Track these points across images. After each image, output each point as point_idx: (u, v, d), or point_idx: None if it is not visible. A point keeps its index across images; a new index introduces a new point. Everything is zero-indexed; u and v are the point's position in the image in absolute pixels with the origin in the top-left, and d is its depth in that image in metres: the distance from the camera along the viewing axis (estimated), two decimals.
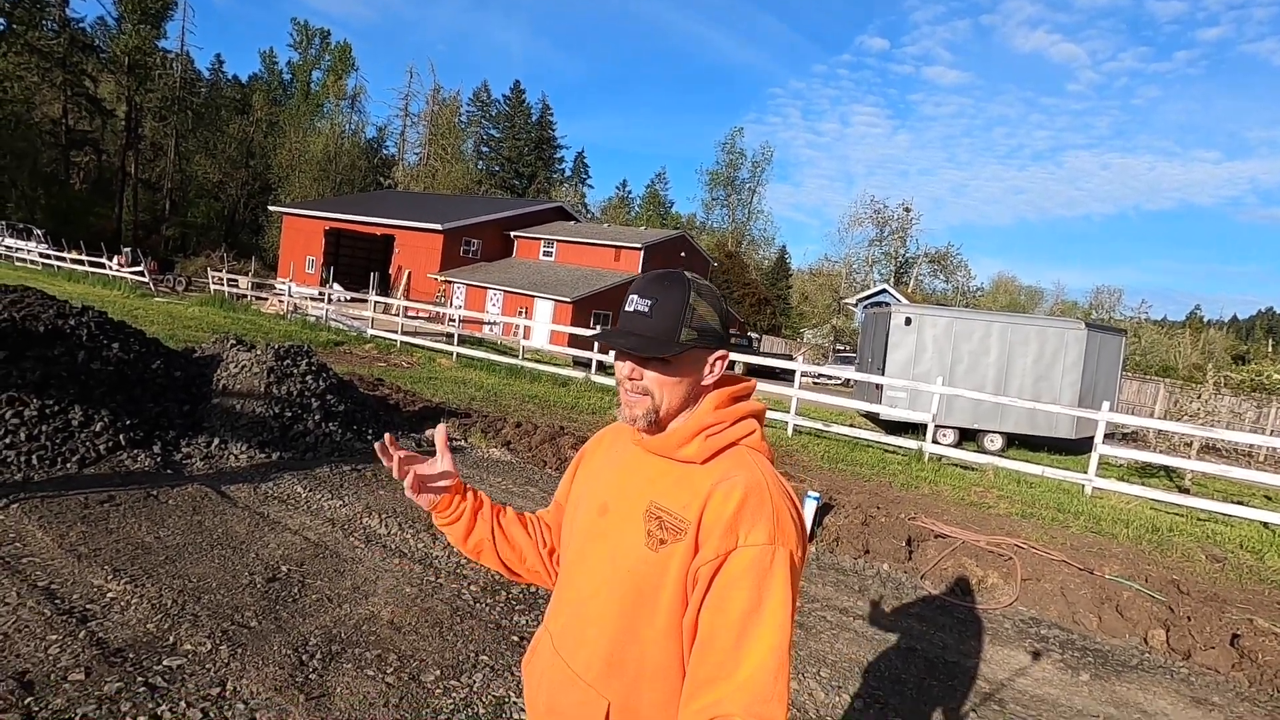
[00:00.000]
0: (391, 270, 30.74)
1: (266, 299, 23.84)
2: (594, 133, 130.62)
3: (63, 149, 48.68)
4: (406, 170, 61.95)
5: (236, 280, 27.00)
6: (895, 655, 3.83)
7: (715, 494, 1.04)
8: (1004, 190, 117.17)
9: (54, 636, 2.79)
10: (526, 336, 24.02)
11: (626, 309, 1.14)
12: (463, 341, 16.29)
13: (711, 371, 1.15)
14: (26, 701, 2.38)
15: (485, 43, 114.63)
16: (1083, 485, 9.12)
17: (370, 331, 17.71)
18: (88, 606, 3.07)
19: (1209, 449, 13.87)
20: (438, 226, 28.49)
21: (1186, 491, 10.15)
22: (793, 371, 12.44)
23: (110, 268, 25.83)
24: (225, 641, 2.95)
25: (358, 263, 34.60)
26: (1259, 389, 18.17)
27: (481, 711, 2.73)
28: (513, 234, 30.91)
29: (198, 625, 3.05)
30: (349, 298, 25.37)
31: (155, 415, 5.89)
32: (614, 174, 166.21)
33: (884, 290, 33.17)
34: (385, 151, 67.72)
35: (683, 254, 29.63)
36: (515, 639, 3.37)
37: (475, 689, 2.87)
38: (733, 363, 20.41)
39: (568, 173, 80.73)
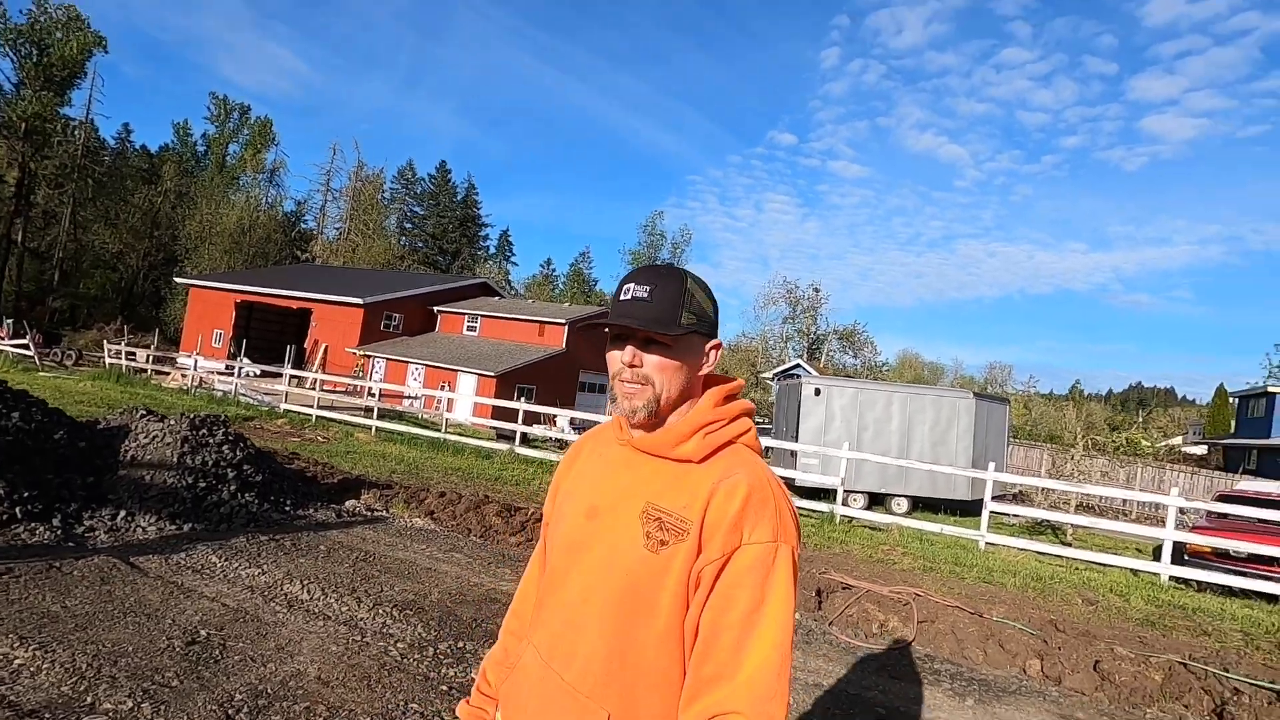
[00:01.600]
0: (307, 344, 29.88)
1: (168, 373, 22.64)
2: (519, 211, 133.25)
3: None
4: (326, 245, 61.05)
5: (135, 354, 25.50)
6: (802, 690, 4.12)
7: (718, 492, 1.03)
8: (905, 274, 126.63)
9: None
10: (449, 409, 23.70)
11: (623, 298, 1.12)
12: (383, 415, 15.99)
13: (708, 360, 1.14)
14: None
15: (412, 122, 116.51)
16: (977, 541, 9.85)
17: (284, 406, 17.12)
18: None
19: (1085, 506, 15.20)
20: (358, 300, 28.15)
21: (1069, 545, 11.10)
22: None
23: None
24: (147, 699, 2.93)
25: (269, 336, 33.41)
26: (1133, 454, 20.15)
27: None
28: (436, 309, 30.87)
29: (115, 686, 3.01)
30: (259, 371, 24.43)
31: (56, 487, 5.65)
32: (538, 252, 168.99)
33: (798, 365, 34.83)
34: (303, 225, 66.64)
35: (606, 330, 30.33)
36: (444, 689, 3.46)
37: None
38: None
39: (492, 250, 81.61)
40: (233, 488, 6.48)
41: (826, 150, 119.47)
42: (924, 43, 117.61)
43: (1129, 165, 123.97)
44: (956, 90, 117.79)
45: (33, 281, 50.67)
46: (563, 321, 27.11)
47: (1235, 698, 4.57)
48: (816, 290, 43.15)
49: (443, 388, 25.31)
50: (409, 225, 74.03)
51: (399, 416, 18.65)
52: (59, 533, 5.14)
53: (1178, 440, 40.39)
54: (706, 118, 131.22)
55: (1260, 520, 8.85)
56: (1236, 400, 33.45)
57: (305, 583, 4.79)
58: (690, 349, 1.12)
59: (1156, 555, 10.48)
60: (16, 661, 3.11)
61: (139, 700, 2.91)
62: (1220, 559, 8.82)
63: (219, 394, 19.39)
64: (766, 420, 31.57)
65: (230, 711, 2.94)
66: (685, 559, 1.02)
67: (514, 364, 24.75)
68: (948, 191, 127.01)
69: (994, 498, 10.17)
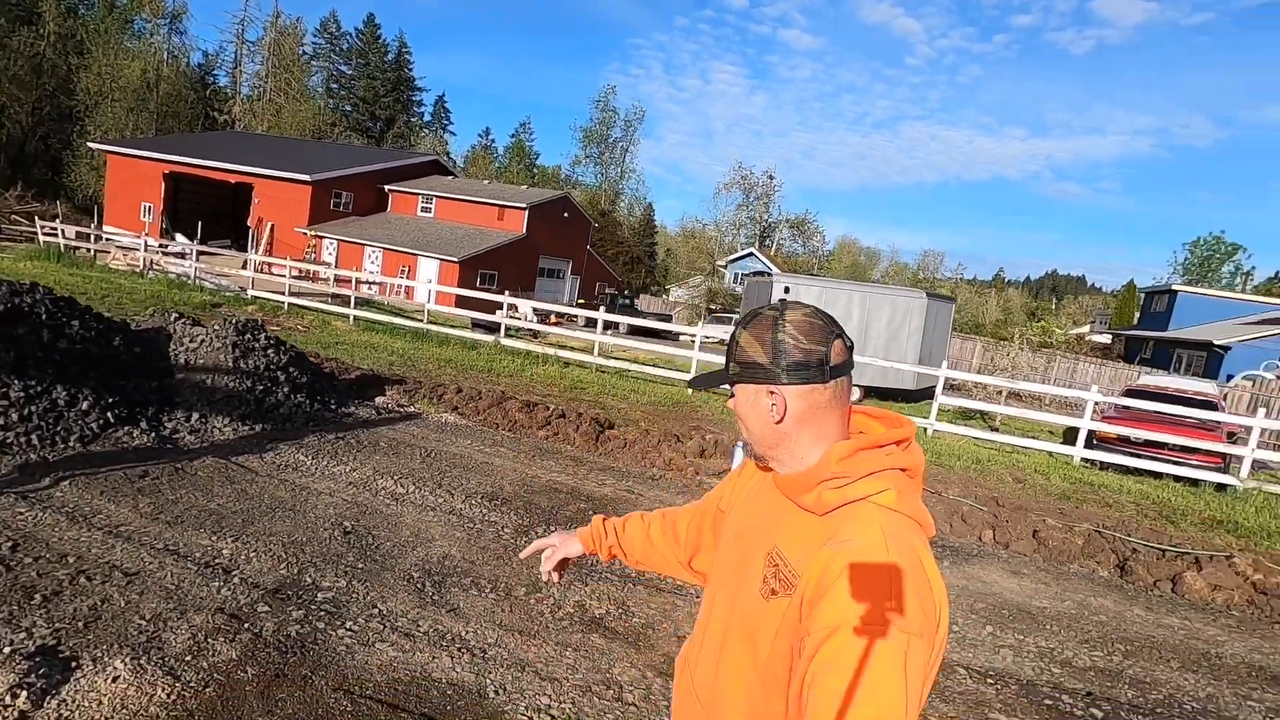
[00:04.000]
0: (251, 222, 28.51)
1: (110, 253, 21.52)
2: (455, 74, 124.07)
3: None
4: (245, 106, 56.03)
5: (58, 229, 23.85)
6: None
7: (823, 554, 0.96)
8: (849, 155, 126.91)
9: (215, 584, 3.40)
10: (409, 296, 23.67)
11: None
12: (354, 303, 16.06)
13: (776, 406, 1.06)
14: (244, 625, 3.06)
15: None
16: (925, 428, 11.33)
17: (252, 292, 16.89)
18: (218, 561, 3.65)
19: (1014, 395, 17.20)
20: (305, 177, 26.79)
21: (996, 430, 12.83)
22: (675, 333, 13.78)
23: None
24: (351, 578, 3.69)
25: (201, 212, 31.53)
26: (1046, 345, 22.39)
27: (570, 610, 3.73)
28: (388, 188, 29.69)
29: (319, 569, 3.75)
30: (194, 251, 23.41)
31: (129, 392, 6.02)
32: (475, 121, 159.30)
33: (751, 253, 35.70)
34: (216, 83, 60.50)
35: (565, 214, 30.10)
36: None
37: (557, 599, 3.85)
38: (637, 329, 21.43)
39: (428, 117, 76.67)
40: (285, 389, 6.96)
41: (779, 17, 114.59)
42: None
43: (1076, 49, 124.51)
44: None
45: None
46: (523, 205, 26.75)
47: (1134, 555, 6.02)
48: (771, 178, 43.44)
49: (402, 273, 25.04)
50: (336, 87, 68.27)
51: (367, 304, 18.68)
52: (151, 435, 5.61)
53: (1086, 329, 44.16)
54: None
55: (1156, 411, 10.55)
56: (1143, 295, 36.68)
57: (395, 478, 5.50)
58: (745, 398, 1.10)
59: (1066, 439, 12.32)
60: (225, 552, 3.78)
61: (348, 579, 3.67)
62: (1123, 444, 10.54)
63: (173, 276, 18.76)
64: (723, 309, 32.83)
65: (419, 586, 3.74)
66: (789, 617, 0.98)
67: (476, 249, 24.60)
68: (899, 69, 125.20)
69: (933, 387, 11.58)
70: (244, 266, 22.10)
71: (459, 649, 3.15)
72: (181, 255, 21.60)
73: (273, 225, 27.70)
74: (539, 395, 9.99)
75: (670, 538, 1.44)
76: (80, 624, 2.89)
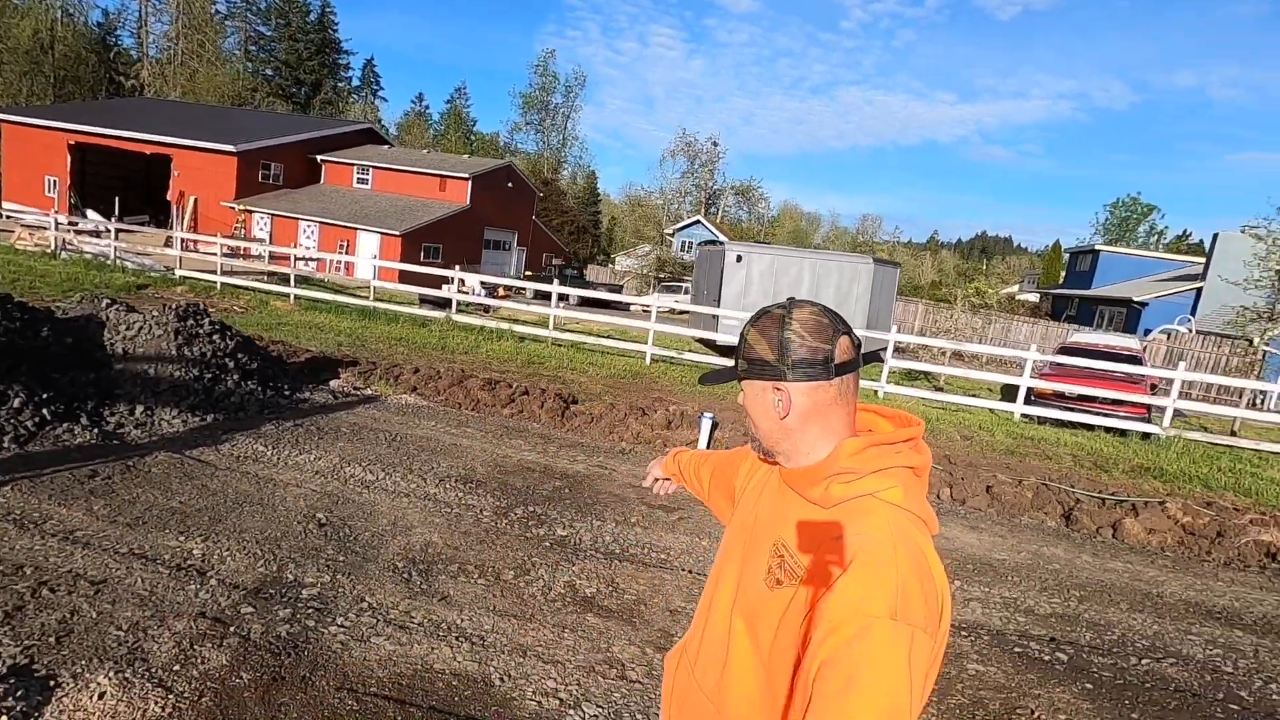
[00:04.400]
0: (172, 196, 26.77)
1: (14, 232, 19.89)
2: (384, 36, 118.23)
3: None
4: (155, 69, 52.22)
5: None
6: None
7: (830, 546, 0.98)
8: (786, 120, 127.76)
9: (192, 587, 3.26)
10: (349, 273, 22.85)
11: None
12: (294, 281, 15.36)
13: (778, 406, 1.09)
14: (230, 629, 2.95)
15: None
16: (876, 390, 11.71)
17: (180, 271, 15.95)
18: (190, 562, 3.50)
19: (956, 355, 17.92)
20: (230, 147, 25.24)
21: (941, 390, 13.37)
22: (625, 304, 13.74)
23: None
24: (333, 572, 3.59)
25: (113, 186, 29.41)
26: (985, 306, 23.36)
27: (561, 591, 3.73)
28: (320, 158, 28.30)
29: (300, 565, 3.63)
30: (109, 228, 21.93)
31: (64, 386, 5.64)
32: (408, 86, 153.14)
33: (698, 221, 35.66)
34: (120, 44, 56.07)
35: (509, 184, 29.36)
36: (546, 545, 4.34)
37: (546, 580, 3.85)
38: (583, 299, 21.18)
39: (356, 83, 73.17)
40: (235, 377, 6.64)
41: None
42: None
43: (1003, 14, 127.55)
44: None
45: None
46: (466, 176, 25.96)
47: (1077, 505, 6.42)
48: (715, 144, 43.31)
49: (341, 248, 24.09)
50: (255, 50, 64.15)
51: (307, 281, 17.91)
52: (94, 432, 5.28)
53: (1015, 289, 46.21)
54: None
55: (1087, 368, 11.18)
56: (1068, 255, 38.53)
57: (363, 465, 5.36)
58: (753, 394, 1.13)
59: (1005, 395, 12.95)
60: (196, 552, 3.62)
61: (330, 573, 3.57)
62: (1058, 399, 11.14)
63: (90, 257, 17.52)
64: (671, 278, 32.84)
65: (405, 576, 3.67)
66: (793, 605, 0.99)
67: (418, 222, 23.81)
68: (834, 34, 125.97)
69: (884, 351, 11.95)
70: (167, 244, 20.84)
71: (457, 638, 3.12)
72: (97, 233, 20.18)
73: (196, 199, 26.09)
74: (498, 372, 9.85)
75: (696, 479, 1.59)
76: (51, 639, 2.73)
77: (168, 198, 27.07)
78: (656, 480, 1.71)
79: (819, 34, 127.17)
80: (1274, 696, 3.54)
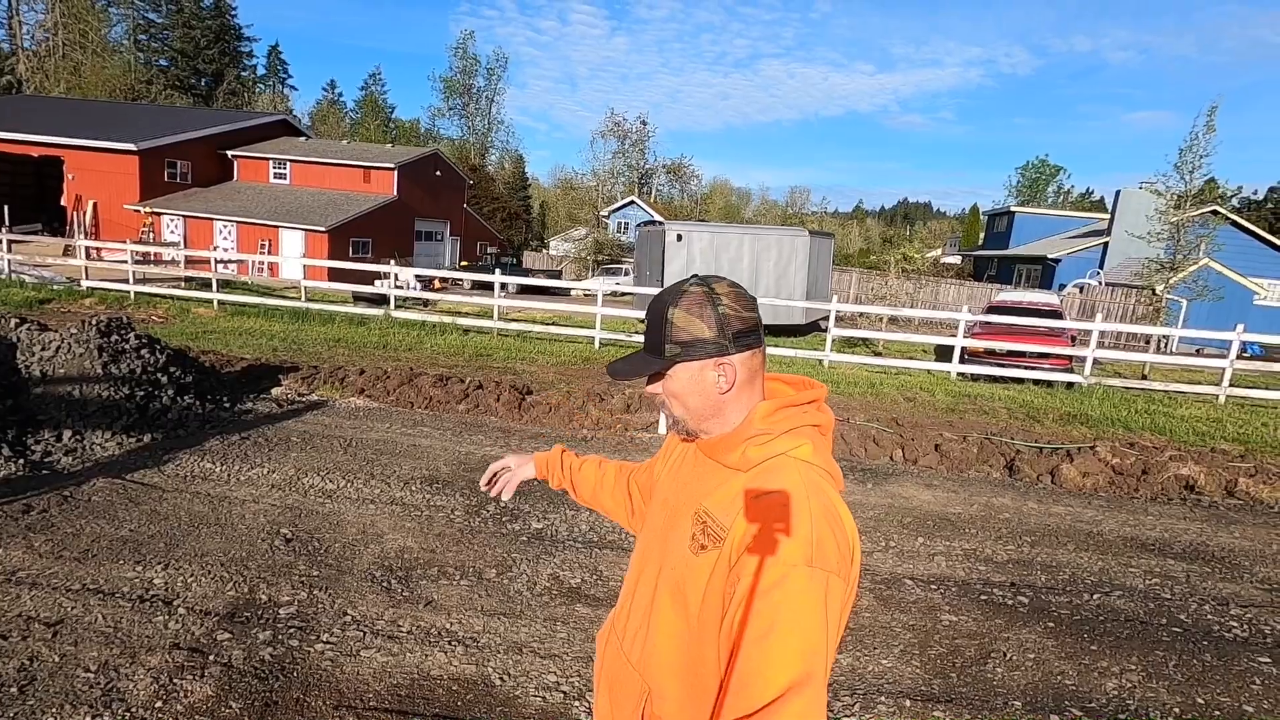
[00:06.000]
0: (66, 201, 24.82)
1: None
2: (289, 23, 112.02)
3: None
4: (33, 63, 48.03)
5: None
6: None
7: (749, 505, 1.03)
8: (712, 95, 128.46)
9: (159, 618, 3.10)
10: (274, 274, 21.87)
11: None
12: (216, 286, 14.55)
13: (724, 376, 1.11)
14: (210, 658, 2.82)
15: None
16: (821, 360, 12.04)
17: (87, 283, 14.87)
18: (153, 593, 3.32)
19: (892, 321, 18.59)
20: (130, 146, 23.52)
21: (880, 355, 13.87)
22: (565, 289, 13.64)
23: None
24: (309, 588, 3.48)
25: None
26: (916, 271, 24.27)
27: (547, 584, 3.73)
28: (231, 154, 26.73)
29: (272, 584, 3.50)
30: (7, 240, 20.24)
31: None
32: (318, 73, 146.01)
33: (633, 201, 35.51)
34: None
35: (437, 172, 28.48)
36: (524, 539, 4.32)
37: (529, 575, 3.83)
38: (524, 288, 20.84)
39: (262, 71, 69.27)
40: (170, 392, 6.28)
41: None
42: None
43: None
44: None
45: None
46: (391, 166, 25.06)
47: (1018, 456, 6.81)
48: (644, 123, 43.11)
49: (263, 248, 22.94)
50: (145, 39, 59.76)
51: (229, 285, 16.99)
52: (19, 463, 4.91)
53: (938, 252, 48.10)
54: None
55: (1014, 324, 11.80)
56: (986, 217, 40.33)
57: (322, 474, 5.18)
58: (686, 375, 1.12)
59: (939, 356, 13.55)
60: (158, 581, 3.44)
61: (306, 589, 3.46)
62: (989, 356, 11.74)
63: None
64: (610, 260, 32.66)
65: (385, 585, 3.59)
66: (718, 566, 1.03)
67: (345, 216, 22.89)
68: (753, 7, 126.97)
69: (825, 320, 12.30)
70: (67, 253, 19.39)
71: (450, 642, 3.09)
72: None
73: (95, 203, 24.27)
74: (446, 367, 9.65)
75: (623, 494, 1.52)
76: (13, 689, 2.55)
77: (63, 203, 25.09)
78: (499, 474, 1.62)
79: (738, 8, 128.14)
80: (1209, 616, 3.88)
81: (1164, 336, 17.20)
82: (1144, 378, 11.96)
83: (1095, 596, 4.04)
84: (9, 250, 15.96)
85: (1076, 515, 5.50)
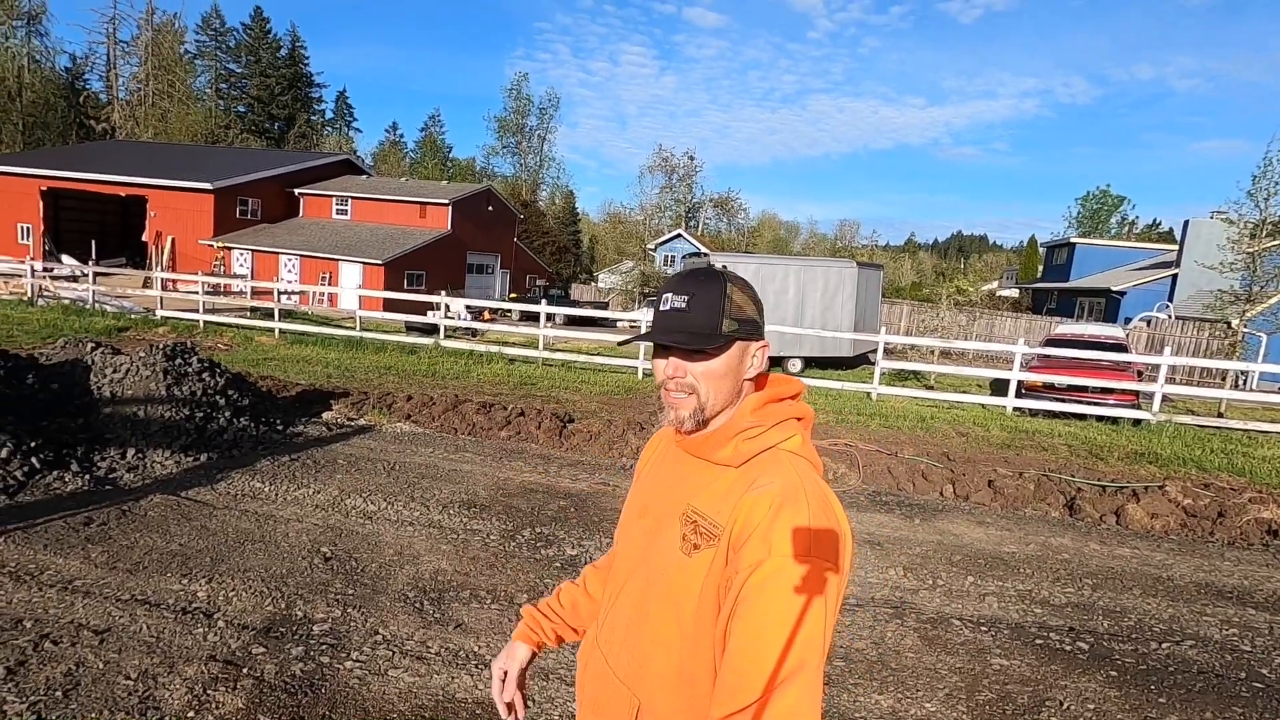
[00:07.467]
0: (148, 237, 26.52)
1: None
2: (354, 68, 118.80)
3: None
4: (126, 112, 51.95)
5: None
6: None
7: (746, 500, 1.01)
8: (760, 130, 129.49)
9: (199, 630, 3.17)
10: (333, 304, 22.72)
11: (662, 308, 1.11)
12: (278, 315, 15.22)
13: (754, 363, 1.11)
14: (244, 671, 2.87)
15: None
16: (870, 393, 11.75)
17: (161, 312, 15.75)
18: (195, 605, 3.41)
19: (944, 354, 18.07)
20: (206, 185, 25.09)
21: (932, 388, 13.46)
22: (612, 320, 13.72)
23: None
24: (344, 606, 3.52)
25: (88, 229, 29.09)
26: (969, 304, 23.61)
27: None
28: (298, 191, 28.20)
29: (308, 601, 3.55)
30: (86, 272, 21.68)
31: (53, 433, 5.52)
32: (381, 116, 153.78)
33: (679, 235, 35.82)
34: (89, 88, 55.74)
35: (489, 208, 29.39)
36: (557, 565, 4.28)
37: None
38: (569, 318, 21.23)
39: (330, 115, 73.21)
40: (227, 414, 6.54)
41: None
42: None
43: (965, 18, 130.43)
44: None
45: None
46: (446, 202, 25.98)
47: (1079, 494, 6.45)
48: (691, 158, 43.71)
49: (323, 279, 23.95)
50: (226, 87, 64.09)
51: (291, 315, 17.75)
52: (85, 478, 5.16)
53: (994, 285, 46.80)
54: None
55: (1076, 358, 11.30)
56: (1045, 249, 39.11)
57: (364, 496, 5.28)
58: (734, 355, 1.09)
59: (994, 390, 13.06)
60: (201, 594, 3.53)
61: (341, 607, 3.49)
62: (1048, 390, 11.25)
63: (67, 302, 17.28)
64: (654, 292, 32.73)
65: (416, 605, 3.60)
66: (715, 565, 1.01)
67: (401, 250, 23.75)
68: (801, 44, 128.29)
69: (873, 353, 12.01)
70: (146, 285, 20.61)
71: (477, 665, 3.06)
72: (73, 278, 19.91)
73: (173, 239, 25.86)
74: (491, 395, 9.79)
75: (574, 610, 1.40)
76: (59, 693, 2.64)
77: (144, 239, 26.81)
78: (508, 686, 1.32)
79: (786, 45, 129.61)
80: None
81: (1243, 372, 16.20)
82: (1220, 415, 11.25)
83: (1164, 645, 3.74)
84: (93, 282, 17.08)
85: (1144, 558, 5.15)
